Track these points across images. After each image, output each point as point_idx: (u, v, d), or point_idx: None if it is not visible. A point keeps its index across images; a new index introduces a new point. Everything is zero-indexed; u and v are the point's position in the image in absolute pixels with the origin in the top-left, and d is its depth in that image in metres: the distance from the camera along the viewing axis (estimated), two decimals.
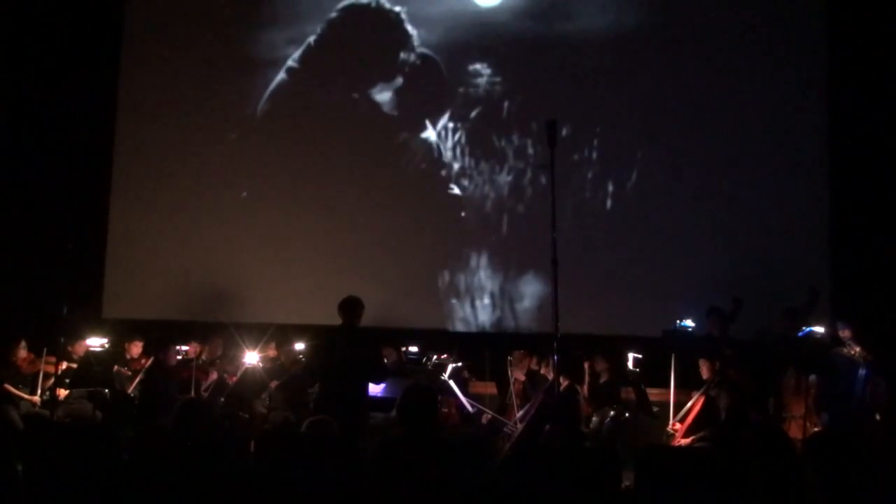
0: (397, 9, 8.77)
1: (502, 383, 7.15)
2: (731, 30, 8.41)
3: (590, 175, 8.42)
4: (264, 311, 8.37)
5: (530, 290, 8.11)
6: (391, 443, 3.45)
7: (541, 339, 5.96)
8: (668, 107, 8.44)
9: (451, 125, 8.68)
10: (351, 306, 5.54)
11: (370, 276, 8.25)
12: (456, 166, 8.65)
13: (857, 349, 5.98)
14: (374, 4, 8.83)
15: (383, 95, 8.78)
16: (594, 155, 8.45)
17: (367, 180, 8.72)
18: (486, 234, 8.55)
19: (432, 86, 8.69)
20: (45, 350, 6.70)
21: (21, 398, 6.66)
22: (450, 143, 8.66)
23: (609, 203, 8.44)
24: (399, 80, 8.75)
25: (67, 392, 6.72)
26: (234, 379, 6.75)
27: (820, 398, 5.92)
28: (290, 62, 8.91)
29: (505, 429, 5.88)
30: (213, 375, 7.09)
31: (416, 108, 8.74)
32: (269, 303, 8.50)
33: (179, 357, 7.20)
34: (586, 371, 6.82)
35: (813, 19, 8.36)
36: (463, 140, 8.65)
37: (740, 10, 8.41)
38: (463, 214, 8.60)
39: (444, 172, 8.66)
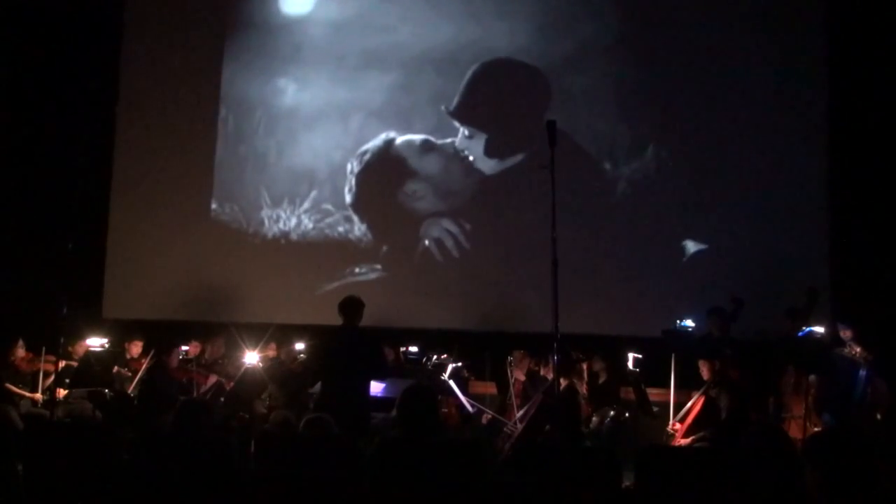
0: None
1: (502, 383, 7.15)
2: (731, 30, 8.41)
3: (590, 175, 8.42)
4: (264, 311, 8.37)
5: (530, 291, 8.09)
6: (391, 443, 3.45)
7: (541, 339, 5.95)
8: (667, 106, 8.44)
9: (448, 124, 8.69)
10: (352, 306, 5.55)
11: (370, 276, 8.24)
12: (454, 166, 8.65)
13: (858, 349, 5.97)
14: None
15: (378, 92, 8.77)
16: (594, 154, 8.45)
17: (366, 179, 8.73)
18: (486, 234, 8.54)
19: (425, 85, 8.71)
20: (43, 349, 6.70)
21: (22, 396, 6.66)
22: (448, 142, 8.67)
23: (609, 203, 8.44)
24: (393, 78, 8.75)
25: (67, 392, 6.72)
26: (232, 385, 6.76)
27: (820, 398, 5.91)
28: (282, 60, 8.94)
29: (505, 429, 5.89)
30: (213, 379, 7.09)
31: (411, 106, 8.74)
32: (269, 303, 8.50)
33: (181, 357, 7.21)
34: (585, 371, 6.84)
35: (813, 18, 8.36)
36: (462, 140, 8.65)
37: (740, 10, 8.41)
38: (462, 214, 8.60)
39: (443, 172, 8.66)
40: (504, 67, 8.69)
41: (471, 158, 8.62)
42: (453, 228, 8.56)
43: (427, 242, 8.58)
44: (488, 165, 8.63)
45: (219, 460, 3.44)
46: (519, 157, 8.51)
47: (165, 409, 6.11)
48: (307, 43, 8.92)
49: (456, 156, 8.67)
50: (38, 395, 6.68)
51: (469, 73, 8.70)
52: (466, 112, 8.67)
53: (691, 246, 8.28)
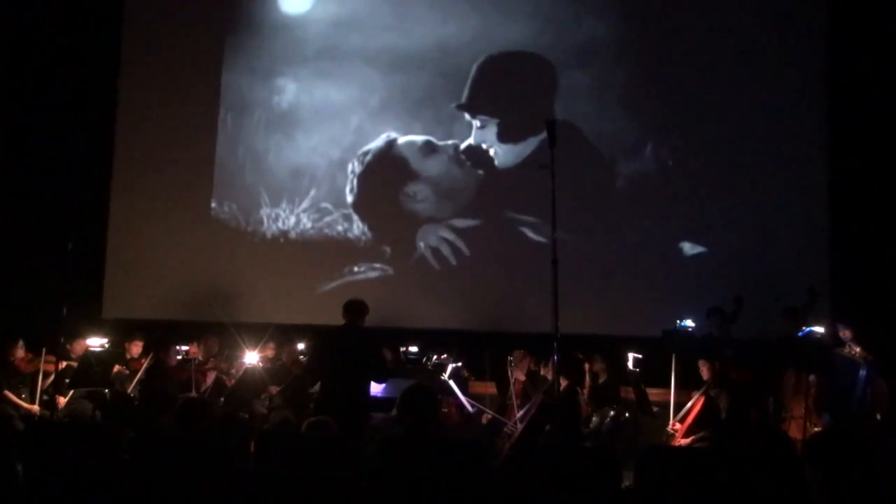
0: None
1: (502, 383, 7.15)
2: (731, 30, 8.42)
3: (590, 174, 8.42)
4: (264, 310, 8.38)
5: (530, 290, 8.09)
6: (391, 443, 3.45)
7: (541, 339, 5.95)
8: (667, 107, 8.45)
9: (448, 124, 8.70)
10: (355, 309, 5.58)
11: (369, 275, 8.23)
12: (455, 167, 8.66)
13: (858, 349, 5.97)
14: None
15: (378, 92, 8.77)
16: (594, 155, 8.46)
17: (367, 180, 8.73)
18: (487, 234, 8.54)
19: (425, 84, 8.71)
20: (43, 349, 6.69)
21: (20, 407, 6.61)
22: (450, 143, 8.67)
23: (609, 203, 8.44)
24: (392, 77, 8.74)
25: (67, 399, 6.71)
26: (231, 384, 6.75)
27: (820, 398, 5.92)
28: (281, 60, 8.96)
29: (505, 429, 5.88)
30: (212, 376, 7.08)
31: (411, 105, 8.74)
32: (269, 302, 8.50)
33: (180, 357, 7.20)
34: (586, 372, 6.83)
35: (813, 18, 8.36)
36: (476, 133, 8.65)
37: (740, 12, 8.41)
38: (463, 215, 8.60)
39: (444, 173, 8.66)
40: (509, 57, 8.71)
41: (491, 152, 8.60)
42: (450, 236, 8.56)
43: (423, 246, 8.58)
44: (504, 155, 8.60)
45: (219, 460, 3.44)
46: (534, 144, 8.47)
47: (165, 409, 6.11)
48: (306, 42, 8.93)
49: (457, 157, 8.67)
50: (36, 408, 6.62)
51: (475, 67, 8.71)
52: (476, 103, 8.69)
53: (688, 248, 8.29)
